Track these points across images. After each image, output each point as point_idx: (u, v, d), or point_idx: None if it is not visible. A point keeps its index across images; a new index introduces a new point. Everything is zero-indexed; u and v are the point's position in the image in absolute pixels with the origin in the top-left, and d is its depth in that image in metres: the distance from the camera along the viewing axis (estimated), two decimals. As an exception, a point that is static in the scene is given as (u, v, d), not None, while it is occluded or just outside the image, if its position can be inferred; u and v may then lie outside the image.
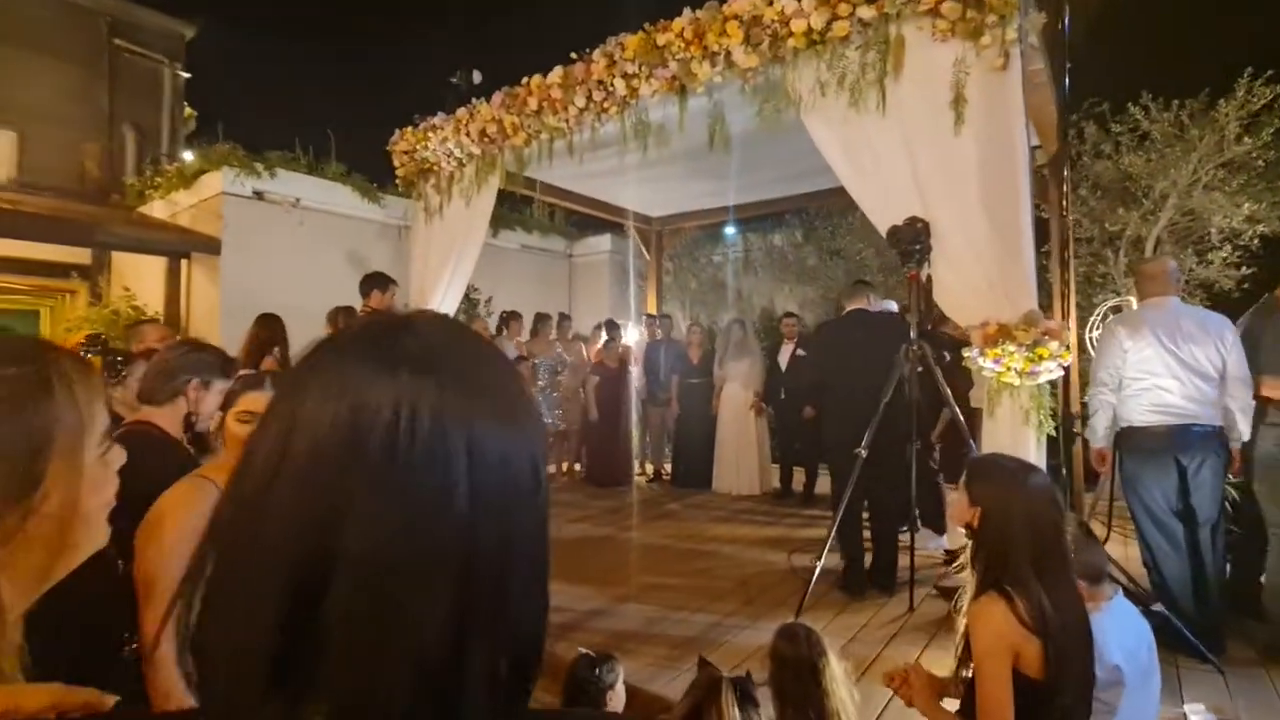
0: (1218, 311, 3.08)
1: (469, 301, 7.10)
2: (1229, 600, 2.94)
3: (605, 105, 4.03)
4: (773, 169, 5.40)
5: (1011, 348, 2.77)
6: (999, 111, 2.84)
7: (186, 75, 9.73)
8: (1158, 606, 2.73)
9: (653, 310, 7.73)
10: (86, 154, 8.58)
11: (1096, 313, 5.99)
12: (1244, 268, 6.94)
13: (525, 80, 4.36)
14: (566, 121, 4.25)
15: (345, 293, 4.76)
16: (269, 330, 3.94)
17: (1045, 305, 3.75)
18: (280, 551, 0.38)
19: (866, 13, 3.03)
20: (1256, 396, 2.82)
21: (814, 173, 4.49)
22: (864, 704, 1.68)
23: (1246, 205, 6.78)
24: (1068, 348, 2.83)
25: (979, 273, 2.93)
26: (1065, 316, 4.07)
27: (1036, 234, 2.94)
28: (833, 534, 3.39)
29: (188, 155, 7.94)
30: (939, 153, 2.97)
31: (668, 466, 6.90)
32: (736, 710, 1.27)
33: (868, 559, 3.53)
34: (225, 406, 1.58)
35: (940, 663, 1.77)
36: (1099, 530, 3.95)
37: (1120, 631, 1.70)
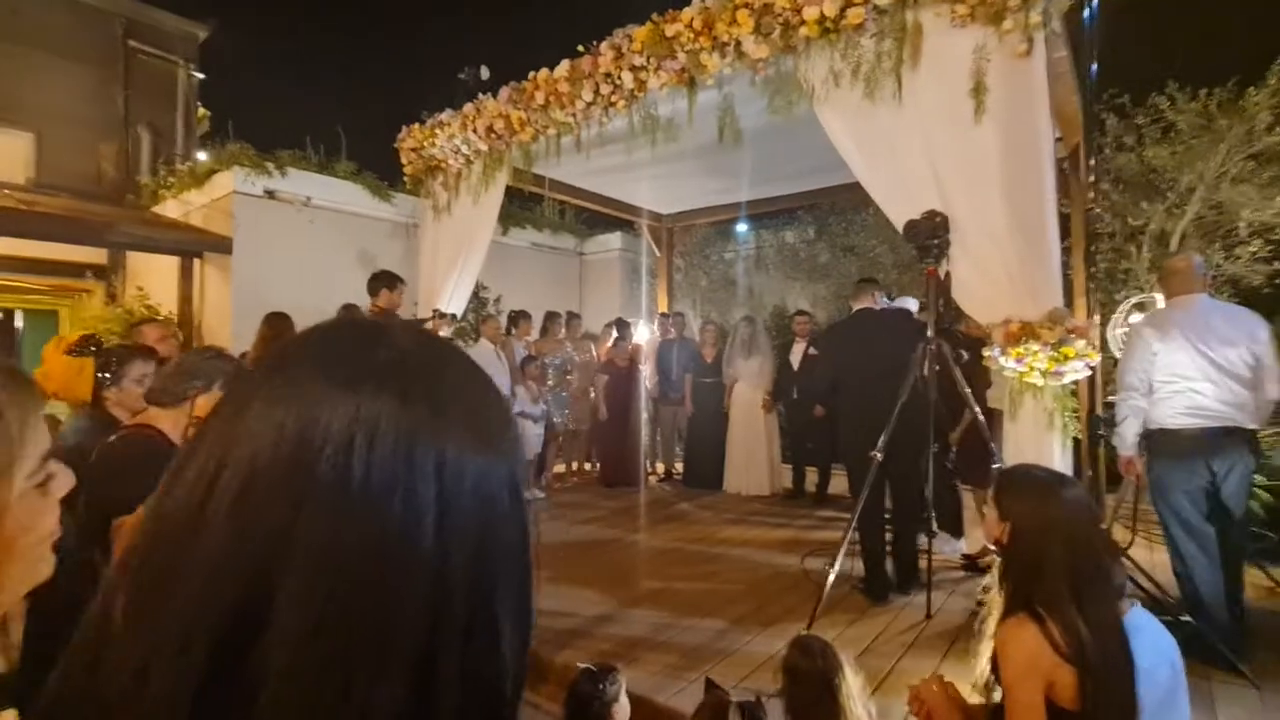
0: (1246, 307, 2.95)
1: (478, 300, 7.06)
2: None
3: (613, 99, 3.96)
4: (785, 164, 5.30)
5: (1035, 346, 2.66)
6: (1022, 100, 2.72)
7: (200, 76, 9.81)
8: (1186, 617, 2.62)
9: (664, 308, 7.65)
10: (102, 155, 8.68)
11: (1119, 310, 5.83)
12: (1275, 262, 6.72)
13: (532, 75, 4.30)
14: (574, 116, 4.18)
15: (356, 291, 4.74)
16: (276, 329, 3.92)
17: (1067, 303, 3.63)
18: (200, 599, 0.32)
19: (882, -1, 2.93)
20: None
21: (827, 168, 4.39)
22: (881, 721, 1.60)
23: (1277, 198, 6.55)
24: (1095, 347, 2.71)
25: (1000, 268, 2.82)
26: (1089, 314, 3.94)
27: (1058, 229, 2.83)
28: (847, 537, 3.30)
29: (202, 155, 8.01)
30: (958, 144, 2.86)
31: (679, 466, 6.83)
32: (744, 735, 1.20)
33: (888, 563, 3.43)
34: None
35: (960, 675, 1.68)
36: (1123, 535, 3.83)
37: (1136, 650, 1.59)
